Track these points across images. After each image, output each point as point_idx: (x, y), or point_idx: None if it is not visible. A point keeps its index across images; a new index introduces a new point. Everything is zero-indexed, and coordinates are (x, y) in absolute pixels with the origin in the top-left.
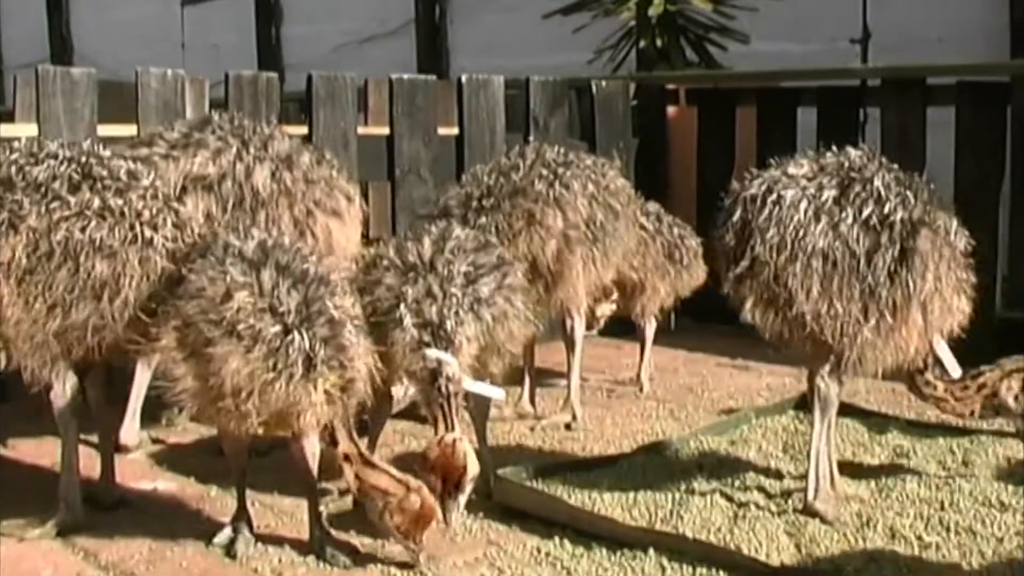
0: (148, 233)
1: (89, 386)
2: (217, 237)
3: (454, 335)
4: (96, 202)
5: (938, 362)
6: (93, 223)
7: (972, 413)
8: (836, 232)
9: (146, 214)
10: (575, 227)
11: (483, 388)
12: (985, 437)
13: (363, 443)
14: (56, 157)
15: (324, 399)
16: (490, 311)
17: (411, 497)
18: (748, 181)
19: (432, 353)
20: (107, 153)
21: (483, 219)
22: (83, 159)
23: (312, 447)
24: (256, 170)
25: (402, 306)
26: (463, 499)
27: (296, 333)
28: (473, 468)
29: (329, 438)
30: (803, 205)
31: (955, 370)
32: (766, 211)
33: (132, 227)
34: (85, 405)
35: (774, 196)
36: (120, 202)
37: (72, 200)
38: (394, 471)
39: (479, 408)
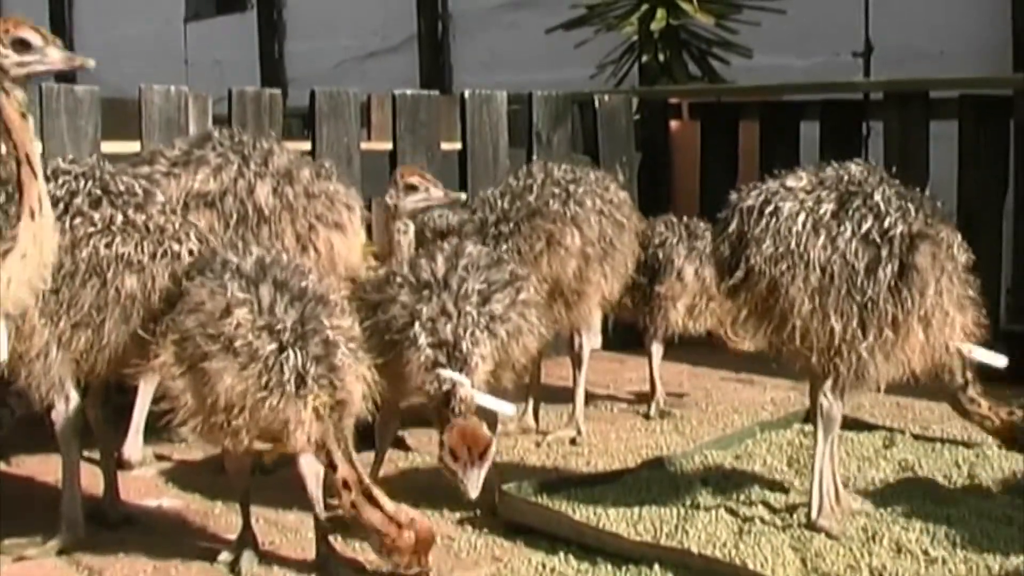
0: (176, 247)
1: (88, 405)
2: (215, 253)
3: (469, 356)
4: (119, 217)
5: (975, 369)
6: (119, 238)
7: (1015, 441)
8: (834, 246)
9: (170, 228)
10: (591, 244)
11: (495, 403)
12: (991, 451)
13: (365, 467)
14: (69, 173)
15: (313, 417)
16: (505, 327)
17: (404, 535)
18: (745, 192)
19: (446, 374)
20: (112, 168)
21: (504, 245)
22: (97, 174)
23: (314, 465)
24: (258, 186)
25: (416, 325)
26: (483, 473)
27: (291, 351)
28: (495, 443)
29: (327, 460)
30: (801, 218)
31: (999, 360)
32: (763, 223)
33: (160, 242)
34: (85, 424)
35: (771, 208)
36: (143, 217)
37: (95, 216)
38: (388, 506)
39: (485, 423)
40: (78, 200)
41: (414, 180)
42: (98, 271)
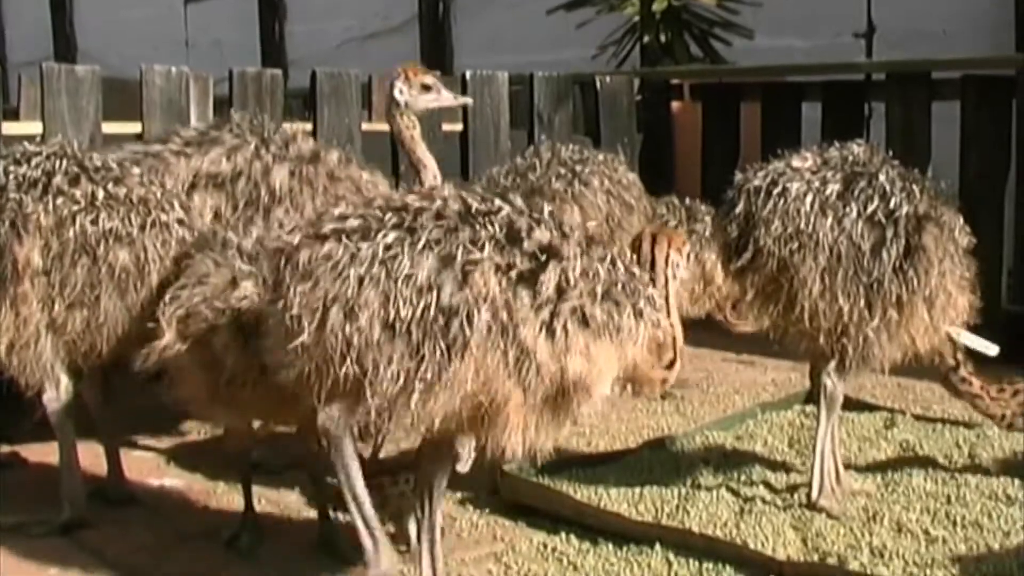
0: (163, 217)
1: (86, 387)
2: (215, 234)
3: None
4: (101, 193)
5: (967, 353)
6: (104, 213)
7: (1003, 419)
8: (841, 226)
9: (152, 199)
10: (595, 222)
11: None
12: (991, 431)
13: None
14: (40, 154)
15: None
16: None
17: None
18: (751, 173)
19: None
20: (81, 147)
21: None
22: (69, 152)
23: None
24: (275, 169)
25: None
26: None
27: None
28: None
29: None
30: (808, 198)
31: (990, 349)
32: (770, 203)
33: (147, 213)
34: (82, 406)
35: (779, 188)
36: (124, 190)
37: (77, 193)
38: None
39: None
40: (57, 179)
41: (428, 80)
42: (87, 248)
